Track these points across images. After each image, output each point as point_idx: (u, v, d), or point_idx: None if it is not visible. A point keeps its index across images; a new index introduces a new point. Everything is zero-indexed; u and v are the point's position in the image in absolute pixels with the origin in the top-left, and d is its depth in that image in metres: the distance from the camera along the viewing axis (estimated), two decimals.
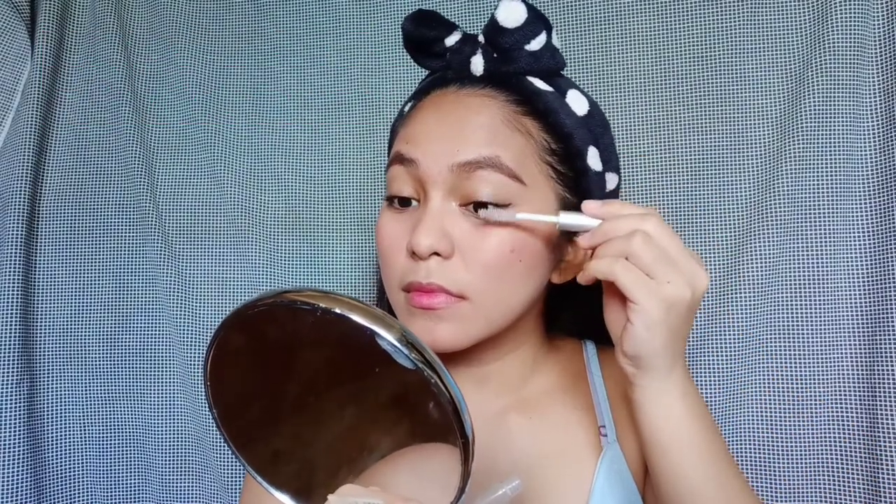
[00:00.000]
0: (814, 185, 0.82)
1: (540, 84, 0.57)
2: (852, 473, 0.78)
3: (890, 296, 0.77)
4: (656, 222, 0.46)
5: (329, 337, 0.40)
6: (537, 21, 0.54)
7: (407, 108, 0.61)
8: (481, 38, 0.57)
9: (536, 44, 0.55)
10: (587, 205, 0.49)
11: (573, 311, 0.67)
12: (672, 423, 0.47)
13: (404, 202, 0.55)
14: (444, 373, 0.39)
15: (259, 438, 0.47)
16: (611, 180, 0.60)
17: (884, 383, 0.76)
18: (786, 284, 0.82)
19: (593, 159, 0.58)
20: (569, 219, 0.49)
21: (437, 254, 0.52)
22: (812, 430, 0.80)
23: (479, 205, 0.52)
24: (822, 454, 0.80)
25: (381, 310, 0.39)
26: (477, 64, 0.56)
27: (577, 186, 0.57)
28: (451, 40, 0.57)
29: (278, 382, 0.45)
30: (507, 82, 0.56)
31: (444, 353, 0.54)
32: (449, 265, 0.52)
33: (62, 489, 0.92)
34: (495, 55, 0.56)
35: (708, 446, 0.47)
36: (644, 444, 0.49)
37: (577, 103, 0.58)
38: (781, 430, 0.81)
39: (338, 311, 0.38)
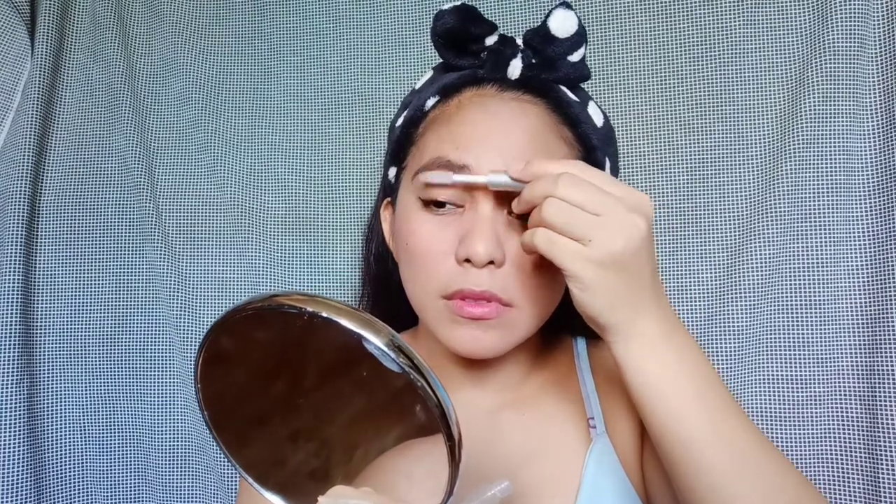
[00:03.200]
0: (814, 185, 0.82)
1: (570, 94, 0.57)
2: (852, 473, 0.78)
3: (890, 296, 0.77)
4: (568, 181, 0.43)
5: (317, 340, 0.41)
6: (583, 33, 0.55)
7: (430, 104, 0.58)
8: (519, 42, 0.56)
9: (577, 55, 0.55)
10: (511, 169, 0.48)
11: (564, 309, 0.67)
12: (649, 375, 0.45)
13: (440, 203, 0.54)
14: (430, 376, 0.39)
15: (250, 440, 0.47)
16: None
17: (884, 383, 0.76)
18: (786, 284, 0.82)
19: (607, 171, 0.59)
20: (497, 178, 0.49)
21: (491, 262, 0.51)
22: (812, 430, 0.80)
23: (527, 215, 0.52)
24: (822, 454, 0.80)
25: (369, 314, 0.40)
26: (515, 67, 0.55)
27: None
28: (490, 40, 0.56)
29: (268, 385, 0.45)
30: (543, 89, 0.56)
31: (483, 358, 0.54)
32: (501, 273, 0.52)
33: (62, 489, 0.92)
34: (534, 61, 0.55)
35: (693, 394, 0.44)
36: (633, 402, 0.47)
37: (596, 115, 0.58)
38: (781, 430, 0.81)
39: (325, 314, 0.38)
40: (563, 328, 0.68)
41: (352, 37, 0.98)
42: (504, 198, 0.52)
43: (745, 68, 0.86)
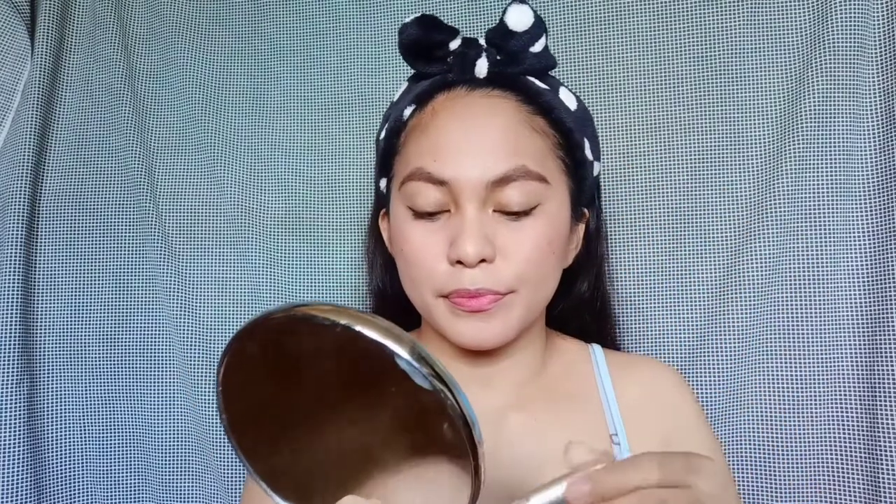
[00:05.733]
0: (814, 185, 0.82)
1: (538, 83, 0.59)
2: (852, 473, 0.78)
3: (890, 296, 0.77)
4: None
5: (342, 351, 0.41)
6: (540, 24, 0.57)
7: (407, 114, 0.60)
8: (482, 42, 0.58)
9: (539, 45, 0.58)
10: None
11: (582, 316, 0.68)
12: None
13: (432, 214, 0.56)
14: (457, 389, 0.39)
15: (267, 447, 0.47)
16: (596, 168, 0.64)
17: (884, 383, 0.76)
18: (786, 284, 0.82)
19: (588, 150, 0.61)
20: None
21: (482, 260, 0.53)
22: (812, 430, 0.80)
23: (512, 213, 0.55)
24: (822, 454, 0.80)
25: (387, 321, 0.39)
26: (481, 66, 0.58)
27: (576, 176, 0.60)
28: (454, 44, 0.59)
29: (288, 393, 0.45)
30: (511, 83, 0.58)
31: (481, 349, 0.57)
32: (493, 268, 0.54)
33: (62, 489, 0.92)
34: (499, 57, 0.58)
35: None
36: None
37: (568, 99, 0.60)
38: (781, 430, 0.81)
39: (351, 325, 0.38)
40: (574, 332, 0.68)
41: (352, 37, 0.98)
42: (487, 200, 0.54)
43: (745, 68, 0.86)
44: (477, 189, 0.54)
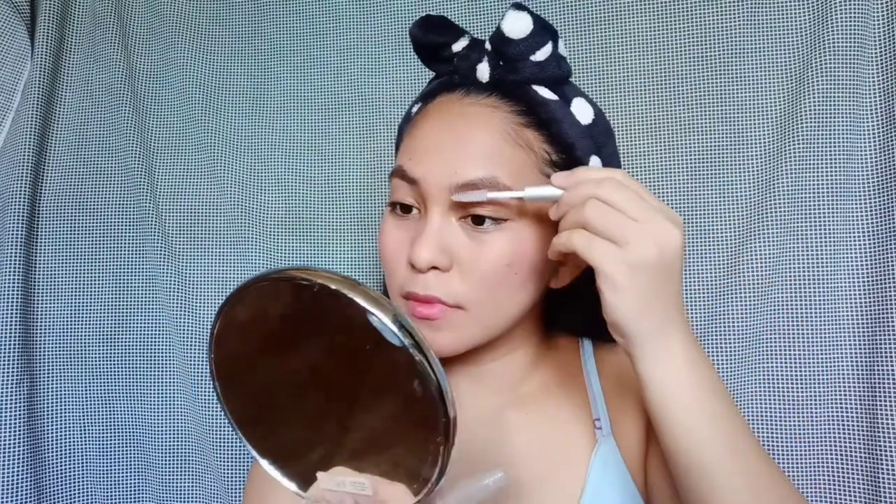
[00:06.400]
0: (814, 185, 0.82)
1: (545, 93, 0.57)
2: (852, 473, 0.78)
3: (890, 296, 0.77)
4: (612, 185, 0.45)
5: (325, 314, 0.42)
6: (543, 31, 0.54)
7: (414, 111, 0.61)
8: (488, 46, 0.57)
9: (542, 54, 0.55)
10: (555, 176, 0.50)
11: (570, 311, 0.67)
12: (671, 393, 0.45)
13: (406, 209, 0.56)
14: (430, 353, 0.41)
15: (257, 413, 0.49)
16: None
17: (884, 383, 0.76)
18: (786, 284, 0.82)
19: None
20: (534, 192, 0.50)
21: (435, 267, 0.53)
22: (812, 430, 0.80)
23: (477, 218, 0.53)
24: (822, 454, 0.80)
25: (376, 291, 0.41)
26: (483, 71, 0.56)
27: None
28: (459, 46, 0.57)
29: (275, 359, 0.47)
30: (513, 91, 0.56)
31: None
32: (446, 278, 0.53)
33: (62, 489, 0.92)
34: (501, 63, 0.56)
35: (715, 417, 0.45)
36: (651, 418, 0.47)
37: (581, 112, 0.58)
38: (781, 430, 0.81)
39: (333, 287, 0.40)
40: (568, 328, 0.69)
41: (352, 37, 0.98)
42: (454, 206, 0.54)
43: (745, 68, 0.86)
44: (442, 192, 0.53)
